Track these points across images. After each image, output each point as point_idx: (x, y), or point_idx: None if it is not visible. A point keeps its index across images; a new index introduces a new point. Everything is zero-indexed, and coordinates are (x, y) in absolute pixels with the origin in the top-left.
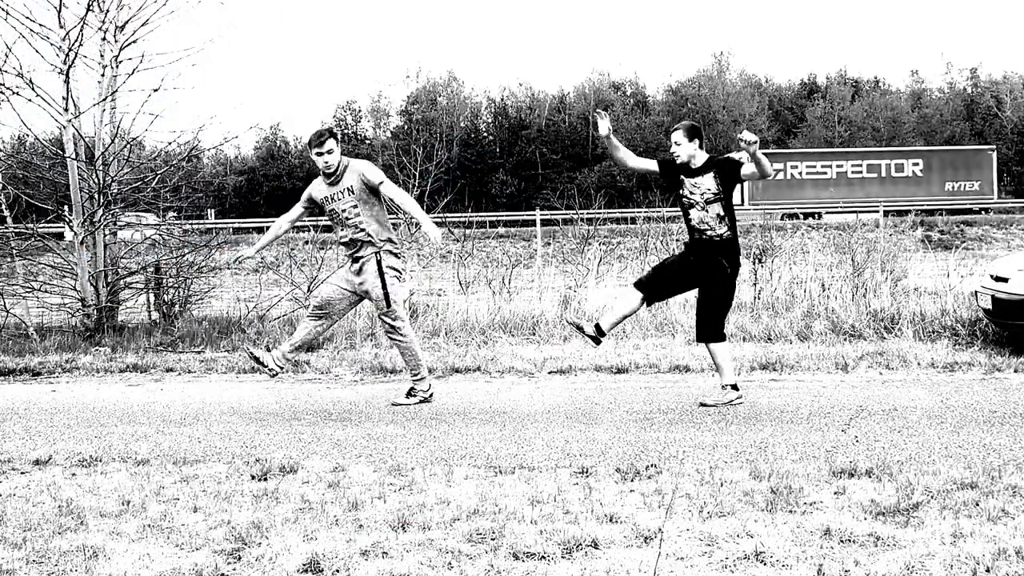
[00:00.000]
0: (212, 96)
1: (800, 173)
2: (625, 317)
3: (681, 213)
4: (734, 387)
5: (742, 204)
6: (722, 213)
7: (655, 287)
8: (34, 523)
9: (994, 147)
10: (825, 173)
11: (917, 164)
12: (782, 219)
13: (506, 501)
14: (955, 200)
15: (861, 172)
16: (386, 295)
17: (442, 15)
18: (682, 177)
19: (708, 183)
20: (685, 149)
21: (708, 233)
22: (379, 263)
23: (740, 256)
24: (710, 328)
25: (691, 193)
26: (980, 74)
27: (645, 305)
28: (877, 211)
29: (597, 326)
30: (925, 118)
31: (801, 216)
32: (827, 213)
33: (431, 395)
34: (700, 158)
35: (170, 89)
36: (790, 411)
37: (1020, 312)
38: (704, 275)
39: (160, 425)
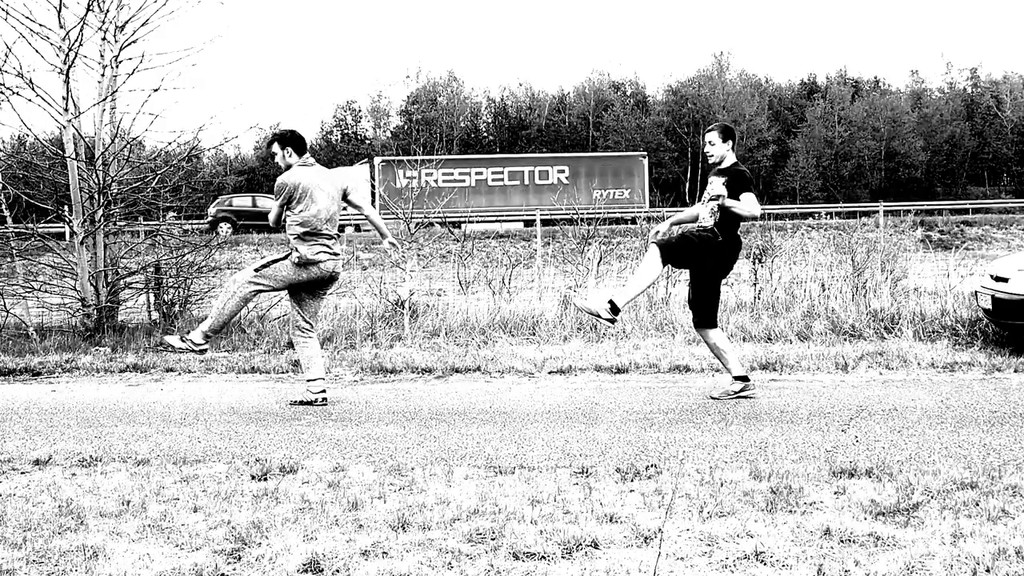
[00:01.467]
0: (212, 96)
1: (436, 181)
2: (647, 287)
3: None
4: (742, 378)
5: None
6: (715, 211)
7: (673, 254)
8: (34, 523)
9: (645, 154)
10: (464, 181)
11: (563, 171)
12: (416, 227)
13: (506, 501)
14: (604, 208)
15: (502, 180)
16: None
17: (442, 15)
18: (710, 177)
19: (717, 186)
20: (717, 149)
21: (699, 228)
22: None
23: (718, 252)
24: (701, 316)
25: (708, 191)
26: (980, 74)
27: (662, 267)
28: (518, 221)
29: (611, 304)
30: (925, 118)
31: (439, 225)
32: (468, 223)
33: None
34: (729, 160)
35: (170, 89)
36: (790, 411)
37: (1020, 312)
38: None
39: (160, 425)
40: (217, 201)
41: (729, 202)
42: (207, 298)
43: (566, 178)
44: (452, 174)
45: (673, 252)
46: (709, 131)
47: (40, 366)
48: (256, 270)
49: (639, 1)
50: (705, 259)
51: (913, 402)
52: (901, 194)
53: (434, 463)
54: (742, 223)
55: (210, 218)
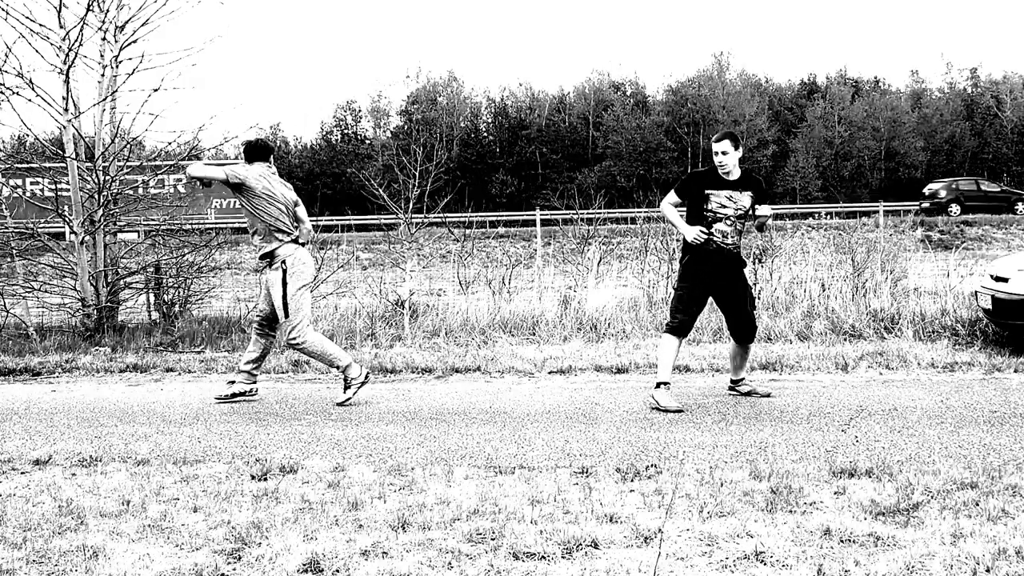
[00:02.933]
0: (212, 96)
1: None
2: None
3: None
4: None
5: None
6: (741, 229)
7: (689, 323)
8: (34, 523)
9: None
10: None
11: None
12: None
13: (506, 501)
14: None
15: None
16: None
17: (442, 15)
18: (708, 192)
19: (745, 200)
20: (732, 159)
21: (727, 245)
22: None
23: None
24: (754, 325)
25: (722, 207)
26: (980, 74)
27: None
28: None
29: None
30: (925, 118)
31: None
32: None
33: (367, 376)
34: (738, 171)
35: (170, 89)
36: (790, 411)
37: (1020, 312)
38: (731, 280)
39: (160, 425)
40: (943, 183)
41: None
42: (207, 298)
43: None
44: None
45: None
46: (720, 140)
47: (40, 366)
48: (292, 324)
49: (639, 1)
50: (746, 280)
51: (913, 402)
52: (901, 194)
53: (434, 463)
54: None
55: (937, 199)
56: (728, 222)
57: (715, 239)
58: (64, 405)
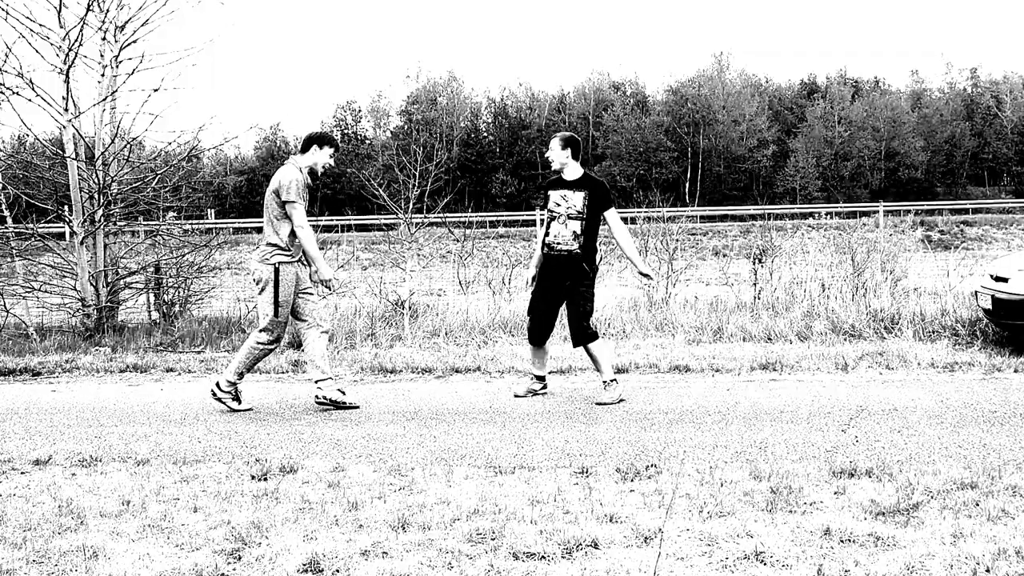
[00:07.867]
0: (212, 96)
1: None
2: (543, 365)
3: (545, 226)
4: (614, 380)
5: None
6: (579, 232)
7: (541, 331)
8: (34, 523)
9: None
10: None
11: None
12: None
13: (506, 501)
14: None
15: None
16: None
17: (442, 15)
18: (549, 192)
19: (577, 200)
20: (557, 156)
21: (559, 247)
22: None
23: (591, 271)
24: (584, 332)
25: (557, 205)
26: (980, 74)
27: (540, 347)
28: None
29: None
30: (925, 118)
31: None
32: None
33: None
34: (575, 172)
35: (170, 89)
36: (790, 411)
37: (1020, 312)
38: (566, 287)
39: (160, 425)
40: None
41: (643, 267)
42: (207, 298)
43: None
44: None
45: (552, 319)
46: (551, 139)
47: (40, 366)
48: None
49: (639, 1)
50: (588, 293)
51: (913, 402)
52: (901, 194)
53: (434, 463)
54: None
55: None
56: (561, 220)
57: (548, 240)
58: (64, 405)
